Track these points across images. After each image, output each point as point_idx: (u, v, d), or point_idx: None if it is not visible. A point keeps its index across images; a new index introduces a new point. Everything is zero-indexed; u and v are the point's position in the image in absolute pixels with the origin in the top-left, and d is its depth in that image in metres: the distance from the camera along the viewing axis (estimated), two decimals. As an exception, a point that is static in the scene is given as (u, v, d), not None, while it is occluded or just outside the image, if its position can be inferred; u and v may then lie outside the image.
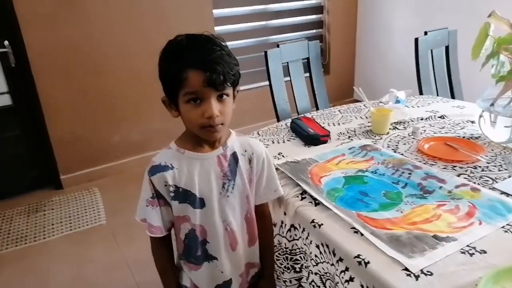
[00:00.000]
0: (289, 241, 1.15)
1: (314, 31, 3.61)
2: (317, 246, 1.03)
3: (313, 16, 3.58)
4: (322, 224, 1.03)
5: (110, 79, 2.75)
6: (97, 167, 2.86)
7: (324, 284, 1.04)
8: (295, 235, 1.13)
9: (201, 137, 0.92)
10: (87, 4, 2.54)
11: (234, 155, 0.99)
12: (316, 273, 1.05)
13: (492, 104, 1.37)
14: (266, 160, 1.05)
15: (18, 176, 2.68)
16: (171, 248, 1.05)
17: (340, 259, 0.95)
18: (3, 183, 2.62)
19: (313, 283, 1.07)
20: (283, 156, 1.40)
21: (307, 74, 2.12)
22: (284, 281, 1.18)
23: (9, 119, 2.56)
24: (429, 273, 0.84)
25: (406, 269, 0.85)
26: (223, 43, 0.90)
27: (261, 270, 1.14)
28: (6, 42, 2.41)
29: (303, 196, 1.15)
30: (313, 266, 1.06)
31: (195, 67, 0.84)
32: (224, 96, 0.89)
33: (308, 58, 2.10)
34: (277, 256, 1.20)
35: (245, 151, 1.01)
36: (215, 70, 0.84)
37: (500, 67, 1.39)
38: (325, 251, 1.01)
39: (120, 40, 2.71)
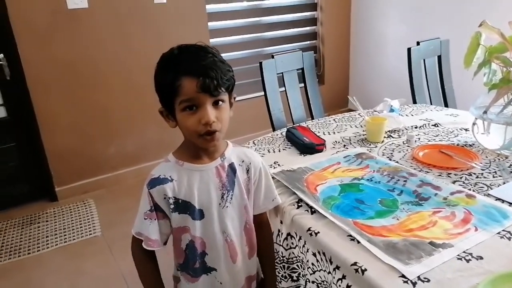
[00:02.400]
0: (286, 249, 1.15)
1: (308, 42, 3.65)
2: (314, 254, 1.03)
3: (307, 28, 3.62)
4: (318, 232, 1.02)
5: (105, 91, 2.76)
6: (92, 178, 2.84)
7: (321, 293, 1.03)
8: (292, 243, 1.13)
9: (200, 146, 0.92)
10: (82, 19, 2.56)
11: (232, 166, 0.99)
12: (313, 282, 1.05)
13: (485, 112, 1.38)
14: (263, 170, 1.05)
15: (12, 188, 2.66)
16: (156, 261, 1.03)
17: (337, 267, 0.94)
18: (-3, 195, 2.60)
19: (310, 292, 1.07)
20: (278, 165, 1.41)
21: (302, 85, 2.14)
22: (282, 290, 1.18)
23: (4, 132, 2.56)
24: (426, 280, 0.84)
25: (403, 276, 0.85)
26: (216, 52, 0.90)
27: (262, 280, 1.14)
28: (1, 55, 2.42)
29: (299, 204, 1.16)
30: (310, 274, 1.05)
31: (188, 74, 0.84)
32: (220, 103, 0.89)
33: (302, 69, 2.12)
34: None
35: (243, 161, 1.01)
36: (208, 75, 0.84)
37: (492, 75, 1.41)
38: (322, 259, 1.00)
39: (114, 53, 2.72)
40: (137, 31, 2.74)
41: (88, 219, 2.50)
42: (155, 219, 0.94)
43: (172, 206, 0.93)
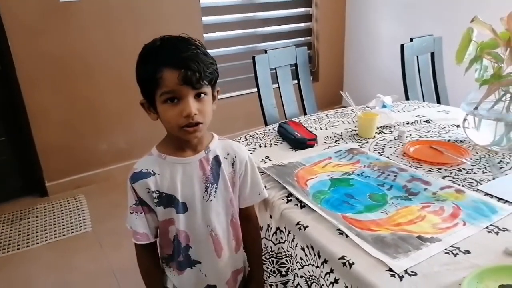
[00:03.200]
0: (275, 244, 1.15)
1: (303, 38, 3.64)
2: (303, 249, 1.02)
3: (302, 24, 3.61)
4: (307, 226, 1.02)
5: (97, 87, 2.73)
6: (83, 174, 2.82)
7: (309, 287, 1.03)
8: (281, 238, 1.13)
9: (182, 138, 0.91)
10: (74, 12, 2.53)
11: (217, 159, 0.97)
12: (301, 276, 1.04)
13: (476, 108, 1.38)
14: (250, 163, 1.03)
15: (2, 183, 2.62)
16: (157, 255, 1.03)
17: (325, 261, 0.94)
18: (-14, 190, 2.57)
19: (298, 287, 1.06)
20: (269, 159, 1.40)
21: (296, 82, 2.13)
22: (270, 285, 1.17)
23: (-7, 125, 2.53)
24: (413, 273, 0.83)
25: (390, 269, 0.85)
26: (199, 44, 0.89)
27: (250, 274, 1.13)
28: (-9, 48, 2.39)
29: (289, 198, 1.15)
30: (299, 269, 1.05)
31: (169, 66, 0.83)
32: (202, 95, 0.87)
33: (296, 64, 2.11)
34: (263, 259, 1.18)
35: (228, 154, 1.00)
36: (189, 67, 0.83)
37: (483, 71, 1.41)
38: (310, 253, 1.00)
39: (106, 48, 2.69)
40: (129, 26, 2.71)
41: (79, 214, 2.48)
42: (141, 213, 0.94)
43: (156, 200, 0.93)
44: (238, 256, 1.07)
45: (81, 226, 2.36)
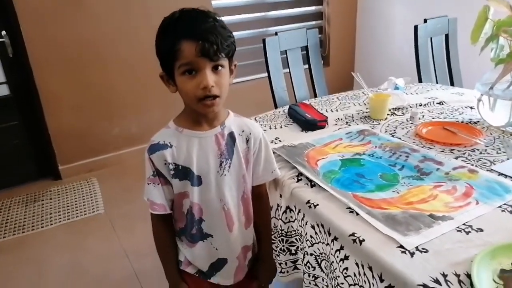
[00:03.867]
0: (285, 223, 1.15)
1: (314, 22, 3.59)
2: (313, 227, 1.02)
3: (313, 8, 3.56)
4: (317, 205, 1.02)
5: (109, 72, 2.74)
6: (95, 158, 2.85)
7: (319, 265, 1.03)
8: (291, 217, 1.13)
9: (199, 111, 0.91)
10: (86, 0, 2.52)
11: (232, 135, 0.98)
12: (311, 254, 1.04)
13: (491, 88, 1.35)
14: (263, 141, 1.04)
15: (16, 166, 2.67)
16: (172, 227, 1.04)
17: (335, 238, 0.94)
18: (1, 173, 2.62)
19: (308, 264, 1.06)
20: (280, 140, 1.39)
21: (306, 67, 2.10)
22: (280, 263, 1.17)
23: (7, 109, 2.56)
24: (424, 250, 0.83)
25: (401, 246, 0.84)
26: (217, 17, 0.89)
27: (258, 252, 1.14)
28: (3, 32, 2.41)
29: (299, 178, 1.15)
30: (309, 247, 1.05)
31: (188, 37, 0.83)
32: (220, 68, 0.88)
33: (307, 47, 2.08)
34: (273, 238, 1.18)
35: (243, 131, 1.00)
36: (208, 39, 0.83)
37: (499, 50, 1.38)
38: (320, 231, 1.00)
39: (118, 34, 2.69)
40: (140, 11, 2.70)
41: (91, 197, 2.52)
42: (158, 184, 0.95)
43: (172, 172, 0.94)
44: (247, 232, 1.07)
45: (93, 208, 2.39)
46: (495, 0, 1.32)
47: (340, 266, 0.93)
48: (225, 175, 0.97)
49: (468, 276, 0.75)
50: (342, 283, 0.93)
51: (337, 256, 0.93)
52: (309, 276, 1.07)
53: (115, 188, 2.59)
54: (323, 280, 1.04)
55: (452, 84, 2.18)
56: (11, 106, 2.57)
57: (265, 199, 1.11)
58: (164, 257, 1.04)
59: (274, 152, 1.26)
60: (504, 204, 0.97)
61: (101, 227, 2.23)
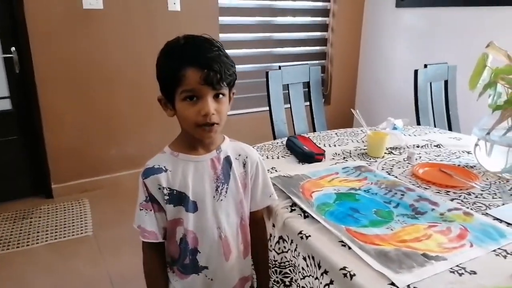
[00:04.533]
0: (278, 253, 1.12)
1: (317, 62, 3.67)
2: (304, 259, 1.00)
3: (317, 48, 3.65)
4: (309, 236, 1.00)
5: (111, 93, 2.78)
6: (90, 178, 2.83)
7: (309, 300, 1.00)
8: (284, 247, 1.10)
9: (196, 137, 0.92)
10: (96, 20, 2.60)
11: (228, 159, 0.98)
12: (303, 287, 1.01)
13: (488, 133, 1.37)
14: (260, 165, 1.04)
15: (9, 181, 2.65)
16: (164, 256, 1.01)
17: (325, 272, 0.91)
18: (-7, 187, 2.59)
19: (298, 298, 1.03)
20: (276, 170, 1.39)
21: (308, 103, 2.13)
22: (273, 295, 1.14)
23: (7, 124, 2.57)
24: (416, 289, 0.81)
25: (392, 284, 0.82)
26: (220, 46, 0.91)
27: (257, 283, 1.11)
28: (13, 49, 2.45)
29: (293, 208, 1.13)
30: (301, 279, 1.02)
31: (193, 65, 0.84)
32: (221, 96, 0.89)
33: (308, 83, 2.12)
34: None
35: (239, 155, 1.00)
36: (212, 68, 0.84)
37: (497, 97, 1.40)
38: (311, 264, 0.97)
39: (124, 56, 2.75)
40: (148, 36, 2.77)
41: (81, 218, 2.47)
42: (150, 210, 0.93)
43: (166, 197, 0.92)
44: (245, 262, 1.05)
45: (82, 230, 2.34)
46: (494, 48, 1.36)
47: (329, 301, 0.90)
48: (221, 200, 0.96)
49: (460, 318, 0.73)
50: (330, 320, 0.89)
51: (326, 291, 0.90)
52: (299, 310, 1.04)
53: (107, 210, 2.55)
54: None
55: (450, 129, 2.20)
56: (12, 120, 2.58)
57: (262, 226, 1.10)
58: (152, 287, 1.00)
59: (269, 182, 1.26)
60: (499, 248, 0.95)
61: (87, 249, 2.18)
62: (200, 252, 0.96)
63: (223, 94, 0.90)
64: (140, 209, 0.93)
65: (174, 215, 0.94)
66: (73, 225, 2.39)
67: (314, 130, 2.12)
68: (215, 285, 1.00)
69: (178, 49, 0.88)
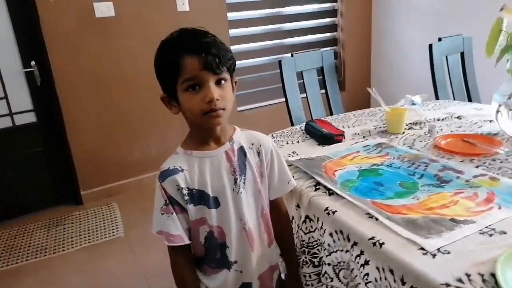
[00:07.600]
0: (305, 233, 1.13)
1: (329, 48, 3.65)
2: (331, 234, 1.01)
3: (328, 34, 3.63)
4: (336, 211, 1.01)
5: (130, 97, 2.83)
6: (116, 182, 2.90)
7: (337, 275, 1.01)
8: (311, 226, 1.11)
9: (205, 126, 0.90)
10: (109, 27, 2.66)
11: (242, 149, 0.97)
12: (329, 264, 1.03)
13: (509, 98, 1.35)
14: (275, 151, 1.03)
15: (40, 191, 2.74)
16: (192, 258, 0.98)
17: (355, 243, 0.93)
18: (25, 198, 2.69)
19: (326, 275, 1.04)
20: (297, 154, 1.40)
21: (323, 91, 2.13)
22: (304, 276, 1.14)
23: (33, 136, 2.65)
24: (447, 252, 0.81)
25: (422, 248, 0.83)
26: (214, 36, 0.90)
27: (287, 271, 1.11)
28: (32, 63, 2.53)
29: (317, 187, 1.15)
30: (326, 256, 1.03)
31: (191, 52, 0.84)
32: (223, 81, 0.88)
33: (322, 69, 2.12)
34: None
35: (252, 144, 0.99)
36: (210, 52, 0.84)
37: (515, 61, 1.38)
38: (339, 239, 0.99)
39: (140, 60, 2.78)
40: (160, 37, 2.78)
41: (112, 221, 2.54)
42: (172, 213, 0.91)
43: (186, 198, 0.90)
44: (271, 251, 1.05)
45: (113, 232, 2.41)
46: (508, 11, 1.33)
47: (361, 272, 0.91)
48: (241, 192, 0.95)
49: (493, 275, 0.73)
50: (363, 290, 0.91)
51: (358, 262, 0.92)
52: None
53: (135, 211, 2.62)
54: (342, 291, 1.01)
55: (470, 100, 2.17)
56: (37, 133, 2.66)
57: (284, 211, 1.10)
58: None
59: (291, 164, 1.28)
60: (528, 208, 0.95)
61: (121, 250, 2.24)
62: (228, 247, 0.96)
63: (225, 80, 0.88)
64: (162, 214, 0.91)
65: (196, 215, 0.93)
66: (105, 228, 2.46)
67: (331, 114, 2.12)
68: (244, 277, 0.99)
69: (173, 40, 0.89)
